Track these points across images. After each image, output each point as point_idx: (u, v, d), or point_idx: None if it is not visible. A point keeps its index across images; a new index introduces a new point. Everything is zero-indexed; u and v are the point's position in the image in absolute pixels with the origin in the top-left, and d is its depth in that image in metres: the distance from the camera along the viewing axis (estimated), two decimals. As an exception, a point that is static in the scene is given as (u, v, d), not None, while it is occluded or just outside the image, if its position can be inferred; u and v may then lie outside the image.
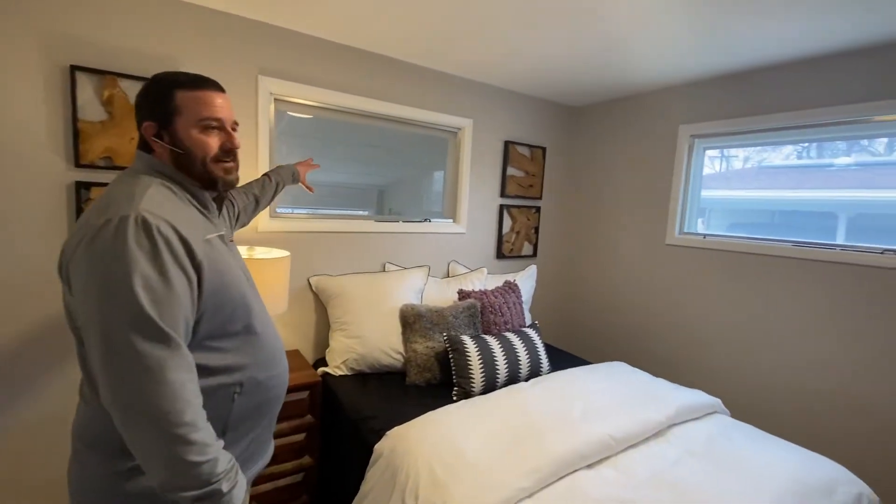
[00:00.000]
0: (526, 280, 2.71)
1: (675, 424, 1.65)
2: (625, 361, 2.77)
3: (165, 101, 0.88)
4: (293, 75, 2.02)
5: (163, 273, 0.75)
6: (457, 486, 1.23)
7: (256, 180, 1.56)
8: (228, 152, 0.93)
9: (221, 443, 0.79)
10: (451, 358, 1.92)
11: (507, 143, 2.81)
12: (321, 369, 2.04)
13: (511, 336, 2.07)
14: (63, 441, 1.65)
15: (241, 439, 0.93)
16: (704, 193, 2.52)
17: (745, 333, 2.26)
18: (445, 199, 2.71)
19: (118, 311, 0.71)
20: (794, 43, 1.84)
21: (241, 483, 0.80)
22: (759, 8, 1.56)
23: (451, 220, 2.70)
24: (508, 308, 2.33)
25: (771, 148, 2.29)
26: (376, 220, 2.40)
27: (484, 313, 2.26)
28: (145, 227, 0.75)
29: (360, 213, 2.44)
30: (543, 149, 3.00)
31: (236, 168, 0.96)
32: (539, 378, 1.97)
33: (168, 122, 0.88)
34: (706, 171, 2.53)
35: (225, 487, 0.75)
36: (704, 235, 2.46)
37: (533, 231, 3.06)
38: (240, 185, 1.31)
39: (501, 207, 2.87)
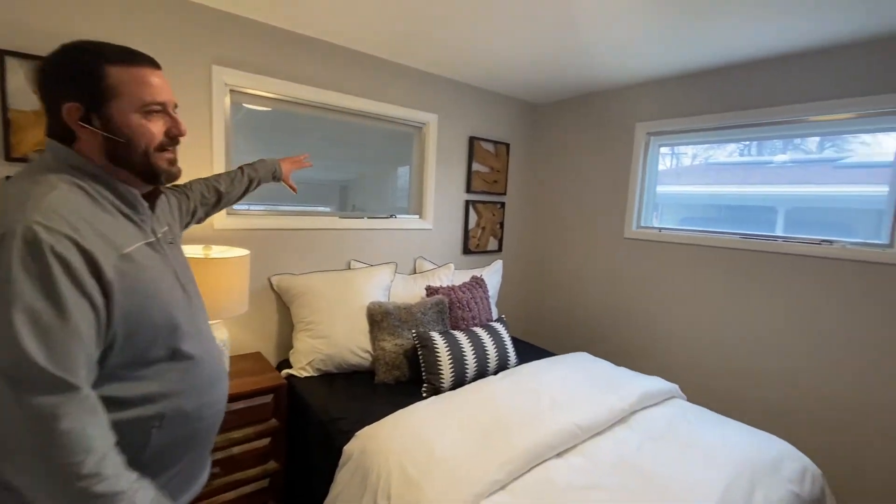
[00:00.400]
0: (492, 275, 2.74)
1: (636, 411, 1.72)
2: (588, 352, 2.86)
3: (94, 78, 0.73)
4: (250, 66, 1.93)
5: (56, 302, 0.63)
6: (430, 483, 1.23)
7: (226, 173, 1.39)
8: (173, 139, 0.82)
9: (143, 482, 0.71)
10: (421, 355, 1.91)
11: (471, 139, 2.82)
12: (285, 371, 1.98)
13: (479, 331, 2.08)
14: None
15: (160, 476, 0.80)
16: (659, 189, 2.64)
17: (698, 321, 2.40)
18: (411, 195, 2.68)
19: None
20: (740, 47, 1.96)
21: None
22: (711, 13, 1.64)
23: (418, 216, 2.68)
24: (476, 303, 2.35)
25: (717, 146, 2.43)
26: (340, 217, 2.34)
27: (452, 309, 2.26)
28: (34, 245, 0.62)
29: (323, 209, 2.37)
30: (507, 145, 3.04)
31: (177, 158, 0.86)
32: (507, 371, 2.00)
33: (98, 105, 0.74)
34: (660, 167, 2.65)
35: None
36: (660, 229, 2.58)
37: (498, 226, 3.10)
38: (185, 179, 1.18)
39: (467, 203, 2.88)
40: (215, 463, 1.61)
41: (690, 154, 2.56)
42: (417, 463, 1.31)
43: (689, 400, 1.97)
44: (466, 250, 2.92)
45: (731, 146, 2.38)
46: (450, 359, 1.88)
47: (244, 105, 2.01)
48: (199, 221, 1.32)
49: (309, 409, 1.76)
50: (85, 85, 0.73)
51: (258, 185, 1.48)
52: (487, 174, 2.96)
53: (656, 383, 1.90)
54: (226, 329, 1.78)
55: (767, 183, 2.23)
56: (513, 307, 3.30)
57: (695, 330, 2.41)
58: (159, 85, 0.80)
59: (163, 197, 0.97)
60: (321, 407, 1.73)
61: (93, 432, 0.65)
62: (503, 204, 3.10)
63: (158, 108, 0.79)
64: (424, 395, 1.82)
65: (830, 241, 1.97)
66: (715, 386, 2.33)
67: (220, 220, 1.91)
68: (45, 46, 1.46)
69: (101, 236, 0.70)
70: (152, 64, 0.80)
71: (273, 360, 2.16)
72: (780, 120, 2.09)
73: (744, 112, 2.18)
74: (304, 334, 2.01)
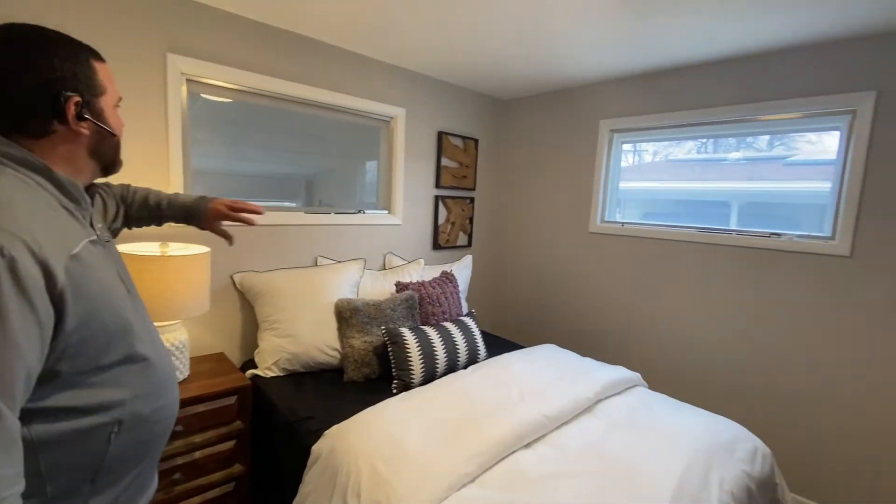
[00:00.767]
0: (462, 270, 2.75)
1: (601, 400, 1.77)
2: (555, 343, 2.93)
3: (88, 71, 0.74)
4: (209, 54, 1.85)
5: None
6: (400, 480, 1.23)
7: (143, 191, 1.19)
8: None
9: None
10: (391, 351, 1.90)
11: (440, 134, 2.81)
12: (250, 372, 1.92)
13: (449, 325, 2.09)
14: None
15: (120, 481, 0.78)
16: (622, 185, 2.72)
17: (659, 311, 2.49)
18: (380, 190, 2.65)
19: None
20: (695, 48, 2.04)
21: None
22: (668, 14, 1.70)
23: (387, 212, 2.65)
24: (446, 298, 2.35)
25: (676, 143, 2.52)
26: (306, 212, 2.28)
27: (422, 304, 2.25)
28: None
29: (288, 204, 2.31)
30: (476, 140, 3.05)
31: None
32: (477, 365, 2.01)
33: (91, 98, 0.75)
34: (622, 163, 2.73)
35: None
36: (623, 223, 2.66)
37: (468, 221, 3.11)
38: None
39: (437, 198, 2.87)
40: (178, 468, 1.55)
41: (651, 151, 2.65)
42: (387, 460, 1.30)
43: (650, 387, 2.05)
44: (436, 246, 2.92)
45: (690, 144, 2.48)
46: (420, 354, 1.88)
47: (202, 95, 1.92)
48: (115, 235, 1.13)
49: (275, 410, 1.71)
50: (81, 77, 0.73)
51: (166, 220, 1.22)
52: (456, 169, 2.96)
53: (619, 373, 1.96)
54: (186, 330, 1.71)
55: (722, 179, 2.34)
56: (483, 301, 3.33)
57: (655, 320, 2.50)
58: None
59: (97, 196, 0.93)
60: (288, 407, 1.69)
61: (5, 472, 0.57)
62: (472, 199, 3.12)
63: (120, 103, 0.84)
64: (395, 391, 1.82)
65: (779, 234, 2.08)
66: (674, 373, 2.44)
67: (177, 215, 1.82)
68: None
69: (51, 238, 0.65)
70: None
71: (237, 361, 2.09)
72: (733, 118, 2.19)
73: (700, 111, 2.28)
74: (270, 333, 1.95)
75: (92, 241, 0.75)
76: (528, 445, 1.45)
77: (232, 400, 1.70)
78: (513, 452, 1.40)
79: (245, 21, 1.93)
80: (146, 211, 1.18)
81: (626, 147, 2.70)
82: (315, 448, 1.45)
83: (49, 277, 0.62)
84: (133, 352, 0.77)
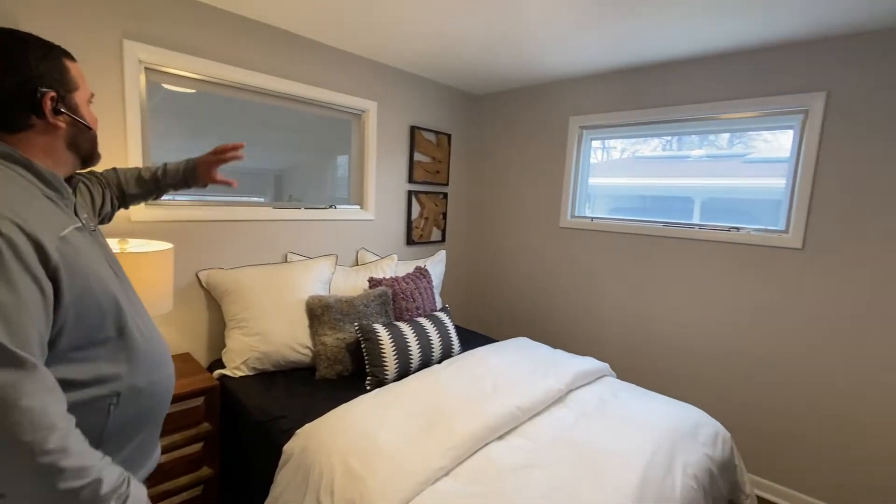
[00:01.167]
0: (436, 265, 2.76)
1: (572, 390, 1.81)
2: (528, 336, 2.98)
3: (61, 69, 0.80)
4: (169, 42, 1.77)
5: (9, 284, 0.64)
6: (374, 476, 1.22)
7: (132, 170, 1.25)
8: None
9: (107, 459, 0.72)
10: (364, 347, 1.88)
11: (412, 128, 2.80)
12: (217, 372, 1.87)
13: (423, 321, 2.09)
14: None
15: (121, 450, 0.84)
16: (591, 181, 2.78)
17: (626, 303, 2.57)
18: (351, 185, 2.61)
19: None
20: (662, 47, 2.10)
21: (135, 495, 0.74)
22: (635, 12, 1.74)
23: (359, 207, 2.62)
24: (420, 293, 2.35)
25: (643, 141, 2.59)
26: (274, 207, 2.23)
27: (396, 300, 2.24)
28: None
29: (256, 199, 2.24)
30: (449, 135, 3.05)
31: None
32: (451, 359, 2.02)
33: (66, 94, 0.81)
34: (592, 160, 2.79)
35: None
36: (592, 218, 2.72)
37: (441, 217, 3.11)
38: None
39: (410, 193, 2.85)
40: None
41: (619, 148, 2.71)
42: (361, 456, 1.30)
43: (618, 377, 2.11)
44: (410, 241, 2.91)
45: (655, 141, 2.55)
46: (394, 350, 1.87)
47: (163, 86, 1.84)
48: (108, 221, 1.19)
49: (245, 410, 1.67)
50: (55, 74, 0.79)
51: (165, 189, 1.28)
52: (430, 164, 2.95)
53: (589, 363, 2.01)
54: (148, 330, 1.64)
55: (686, 176, 2.42)
56: (457, 296, 3.34)
57: (623, 311, 2.58)
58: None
59: (81, 184, 1.00)
60: (258, 407, 1.66)
61: (56, 409, 0.66)
62: (446, 194, 3.12)
63: (93, 99, 0.90)
64: (368, 387, 1.80)
65: (738, 228, 2.18)
66: (640, 362, 2.52)
67: (137, 211, 1.74)
68: None
69: (38, 220, 0.71)
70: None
71: (204, 361, 2.03)
72: (695, 116, 2.27)
73: (665, 108, 2.35)
74: (238, 332, 1.90)
75: (77, 228, 0.81)
76: (501, 437, 1.48)
77: (199, 401, 1.65)
78: (486, 444, 1.42)
79: (208, 8, 1.85)
80: (143, 186, 1.24)
81: (595, 144, 2.76)
82: (287, 448, 1.43)
83: (42, 253, 0.68)
84: (125, 329, 0.83)
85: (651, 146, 2.58)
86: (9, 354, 0.62)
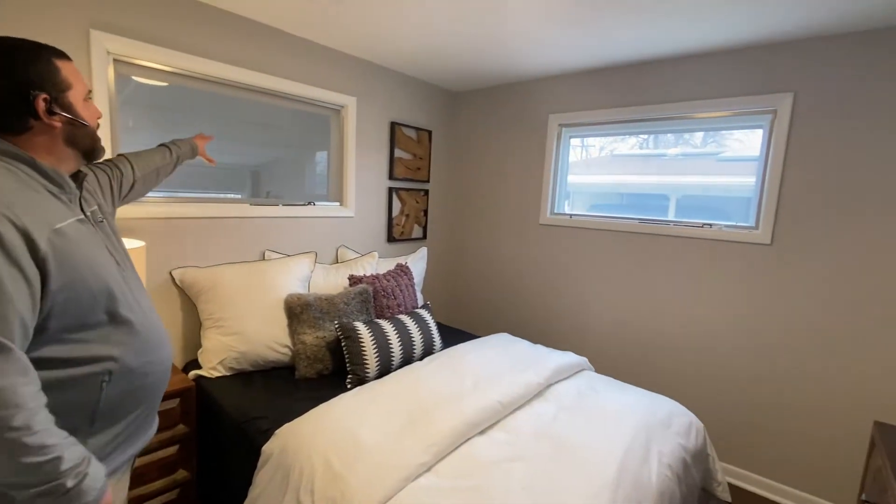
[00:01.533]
0: (417, 262, 2.75)
1: (552, 384, 1.84)
2: (508, 332, 3.01)
3: (52, 70, 0.84)
4: (140, 33, 1.71)
5: None
6: (355, 474, 1.22)
7: (156, 150, 1.41)
8: (98, 121, 0.96)
9: (71, 440, 0.76)
10: (344, 346, 1.87)
11: (393, 125, 2.78)
12: (193, 373, 1.82)
13: (404, 318, 2.08)
14: None
15: (116, 424, 0.92)
16: (570, 178, 2.82)
17: (605, 298, 2.62)
18: (331, 182, 2.58)
19: None
20: (639, 47, 2.14)
21: (93, 475, 0.77)
22: (621, 13, 1.77)
23: (338, 204, 2.59)
24: (401, 291, 2.34)
25: (621, 139, 2.64)
26: (252, 204, 2.18)
27: (377, 298, 2.23)
28: None
29: (232, 196, 2.19)
30: (429, 132, 3.04)
31: None
32: (432, 356, 2.03)
33: (58, 94, 0.85)
34: (571, 157, 2.82)
35: (70, 483, 0.73)
36: (571, 215, 2.76)
37: (422, 213, 3.10)
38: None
39: (390, 190, 2.84)
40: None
41: (598, 146, 2.76)
42: (342, 455, 1.29)
43: (596, 370, 2.15)
44: (391, 238, 2.89)
45: (633, 140, 2.60)
46: (375, 348, 1.86)
47: (133, 78, 1.78)
48: (139, 196, 1.35)
49: (222, 411, 1.64)
50: (46, 76, 0.83)
51: (181, 161, 1.52)
52: (410, 161, 2.94)
53: (568, 358, 2.05)
54: (119, 330, 1.59)
55: (662, 173, 2.48)
56: (438, 293, 3.35)
57: (601, 306, 2.63)
58: (83, 76, 0.94)
59: (91, 177, 1.05)
60: (236, 407, 1.63)
61: (24, 390, 0.70)
62: (427, 191, 3.11)
63: (91, 95, 0.94)
64: (349, 386, 1.79)
65: (711, 225, 2.25)
66: (618, 356, 2.58)
67: (106, 208, 1.68)
68: None
69: (32, 213, 0.76)
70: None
71: (179, 362, 1.98)
72: (671, 115, 2.32)
73: (642, 107, 2.40)
74: (214, 332, 1.86)
75: (79, 220, 0.87)
76: (482, 432, 1.49)
77: (174, 403, 1.61)
78: (468, 440, 1.43)
79: (180, -1, 1.80)
80: (160, 171, 1.40)
81: (574, 142, 2.80)
82: (266, 448, 1.41)
83: (31, 243, 0.74)
84: (118, 314, 0.89)
85: (629, 144, 2.63)
86: None
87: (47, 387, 0.77)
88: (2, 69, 0.79)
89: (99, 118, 0.95)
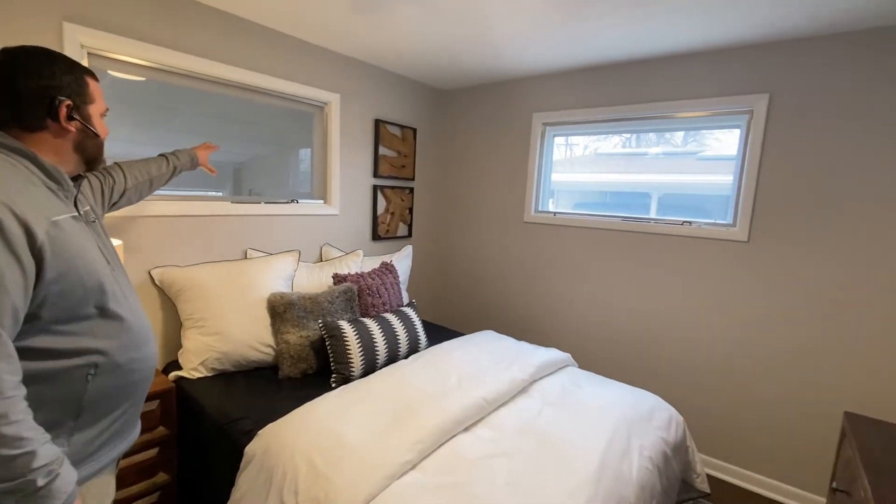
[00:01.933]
0: (402, 260, 2.74)
1: (536, 380, 1.86)
2: (493, 329, 3.02)
3: (81, 84, 0.93)
4: (115, 26, 1.66)
5: None
6: (339, 473, 1.21)
7: (153, 159, 1.49)
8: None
9: (46, 437, 0.76)
10: (328, 345, 1.86)
11: (377, 122, 2.76)
12: (174, 374, 1.79)
13: (390, 317, 2.08)
14: None
15: (102, 419, 0.93)
16: (554, 176, 2.84)
17: (588, 294, 2.65)
18: (314, 179, 2.56)
19: None
20: (621, 47, 2.16)
21: (65, 477, 0.76)
22: (603, 13, 1.78)
23: (322, 201, 2.57)
24: (386, 289, 2.34)
25: (604, 137, 2.67)
26: (233, 202, 2.15)
27: (361, 296, 2.22)
28: None
29: (213, 193, 2.16)
30: (414, 130, 3.03)
31: None
32: (417, 354, 2.03)
33: (81, 104, 0.92)
34: (555, 156, 2.85)
35: (40, 481, 0.72)
36: (555, 213, 2.79)
37: (407, 211, 3.10)
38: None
39: (375, 188, 2.82)
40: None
41: (582, 145, 2.78)
42: (326, 454, 1.28)
43: (580, 366, 2.18)
44: (376, 236, 2.88)
45: (616, 139, 2.64)
46: (359, 346, 1.85)
47: (109, 73, 1.73)
48: (129, 203, 1.40)
49: (204, 413, 1.61)
50: (74, 87, 0.91)
51: (179, 172, 1.58)
52: (395, 159, 2.93)
53: (552, 354, 2.07)
54: (95, 331, 1.55)
55: (644, 172, 2.52)
56: (423, 291, 3.34)
57: (585, 302, 2.66)
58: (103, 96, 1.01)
59: (86, 182, 1.10)
60: (218, 408, 1.60)
61: (6, 378, 0.71)
62: (412, 189, 3.10)
63: (106, 113, 1.02)
64: (334, 385, 1.78)
65: (690, 222, 2.29)
66: (600, 351, 2.62)
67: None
68: None
69: (32, 205, 0.79)
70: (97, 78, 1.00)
71: (159, 363, 1.94)
72: (653, 115, 2.36)
73: (624, 107, 2.43)
74: (195, 332, 1.83)
75: (74, 217, 0.90)
76: (467, 428, 1.50)
77: (154, 405, 1.58)
78: (453, 437, 1.44)
79: (157, -8, 1.76)
80: (154, 182, 1.47)
81: (558, 140, 2.82)
82: (248, 449, 1.39)
83: (29, 234, 0.76)
84: (107, 309, 0.91)
85: (612, 143, 2.66)
86: None
87: (35, 377, 0.79)
88: (40, 73, 0.87)
89: (106, 135, 1.01)
